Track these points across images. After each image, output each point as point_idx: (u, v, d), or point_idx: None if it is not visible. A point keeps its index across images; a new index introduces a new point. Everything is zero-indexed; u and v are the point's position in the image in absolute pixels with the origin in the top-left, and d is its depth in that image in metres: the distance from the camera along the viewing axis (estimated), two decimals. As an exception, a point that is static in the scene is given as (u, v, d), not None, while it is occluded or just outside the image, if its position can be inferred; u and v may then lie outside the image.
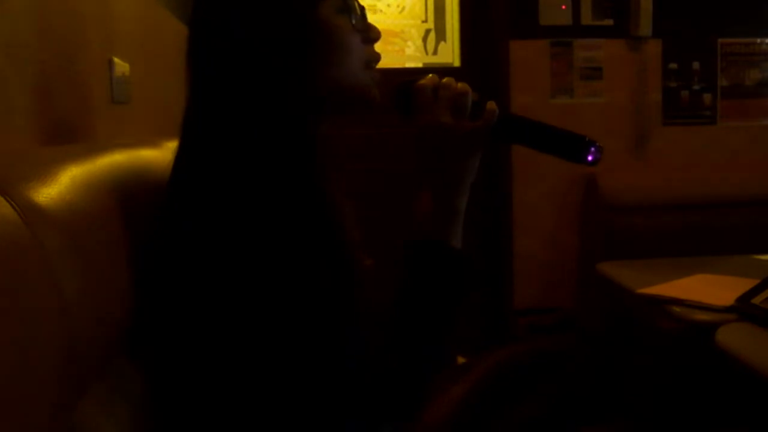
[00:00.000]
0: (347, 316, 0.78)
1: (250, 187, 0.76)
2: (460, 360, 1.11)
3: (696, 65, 3.05)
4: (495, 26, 3.00)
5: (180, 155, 0.82)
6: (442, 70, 0.84)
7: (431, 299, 0.84)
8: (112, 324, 0.72)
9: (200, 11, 0.84)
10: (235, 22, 0.80)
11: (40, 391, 0.55)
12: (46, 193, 0.62)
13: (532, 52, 2.97)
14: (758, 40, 3.07)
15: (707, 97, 3.08)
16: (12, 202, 0.56)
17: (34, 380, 0.54)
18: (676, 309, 1.88)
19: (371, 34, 0.87)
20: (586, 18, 2.98)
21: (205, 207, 0.76)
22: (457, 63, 3.14)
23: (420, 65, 3.16)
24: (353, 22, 0.84)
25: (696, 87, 3.07)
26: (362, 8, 0.87)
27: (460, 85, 0.85)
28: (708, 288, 2.00)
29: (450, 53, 3.16)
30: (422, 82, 0.86)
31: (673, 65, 3.04)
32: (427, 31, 3.16)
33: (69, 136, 1.04)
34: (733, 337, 1.67)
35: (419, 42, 3.16)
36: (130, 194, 0.79)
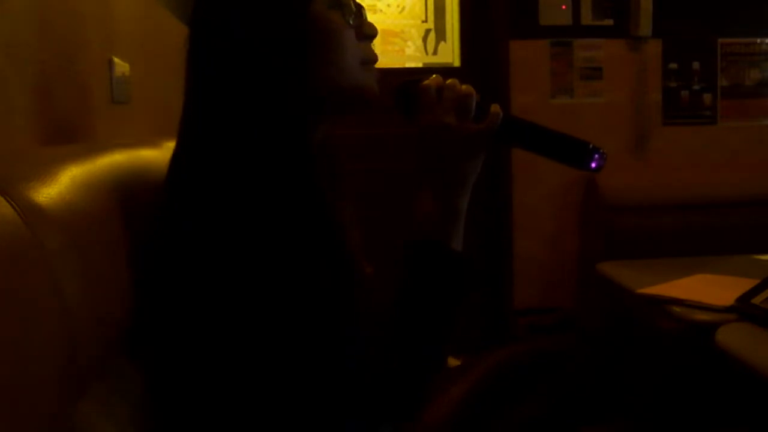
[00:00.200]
0: (347, 316, 0.78)
1: (250, 187, 0.76)
2: (453, 362, 1.11)
3: (696, 65, 3.05)
4: (495, 26, 3.00)
5: (178, 155, 0.82)
6: (443, 70, 0.84)
7: (431, 300, 0.83)
8: (112, 324, 0.72)
9: (199, 11, 0.84)
10: (233, 21, 0.80)
11: (40, 391, 0.55)
12: (46, 193, 0.62)
13: (532, 52, 2.97)
14: (758, 40, 3.07)
15: (707, 97, 3.08)
16: (12, 202, 0.56)
17: (34, 380, 0.54)
18: (676, 309, 1.88)
19: (366, 30, 0.86)
20: (586, 18, 2.98)
21: (205, 207, 0.76)
22: (457, 63, 3.14)
23: (420, 65, 3.15)
24: (346, 17, 0.84)
25: (696, 87, 3.07)
26: (358, 6, 0.86)
27: (464, 86, 0.85)
28: (708, 288, 2.00)
29: (450, 53, 3.16)
30: (427, 82, 0.85)
31: (673, 65, 3.04)
32: (427, 31, 3.16)
33: (69, 136, 1.04)
34: (733, 337, 1.67)
35: (419, 42, 3.16)
36: (130, 194, 0.79)
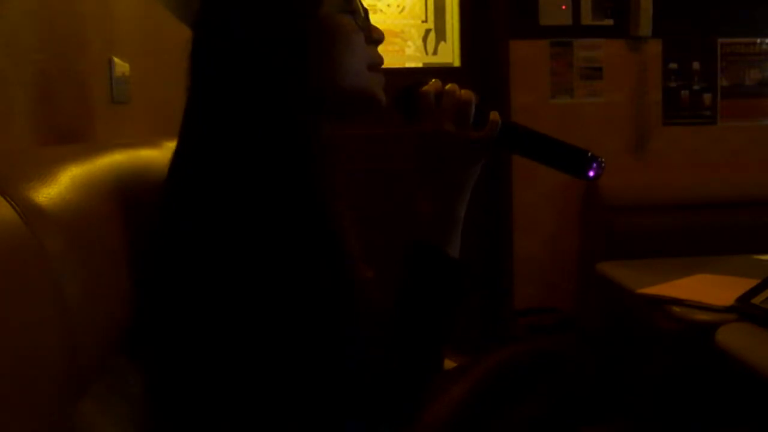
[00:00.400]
0: (346, 317, 0.78)
1: (250, 188, 0.76)
2: (453, 362, 1.11)
3: (696, 65, 3.06)
4: (495, 26, 3.00)
5: (179, 155, 0.82)
6: (443, 70, 0.84)
7: (428, 304, 0.84)
8: (112, 324, 0.72)
9: (202, 11, 0.84)
10: (239, 21, 0.80)
11: (40, 391, 0.55)
12: (46, 193, 0.62)
13: (532, 52, 2.97)
14: (758, 40, 3.07)
15: (707, 97, 3.08)
16: (12, 202, 0.56)
17: (34, 380, 0.54)
18: (676, 309, 1.88)
19: (374, 35, 0.87)
20: (586, 18, 2.98)
21: (205, 207, 0.76)
22: (457, 63, 3.14)
23: (420, 65, 3.16)
24: (356, 22, 0.84)
25: (696, 87, 3.07)
26: (365, 10, 0.87)
27: (463, 92, 0.85)
28: (708, 288, 2.00)
29: (450, 53, 3.16)
30: (426, 88, 0.85)
31: (673, 65, 3.04)
32: (427, 31, 3.16)
33: (69, 136, 1.04)
34: (733, 337, 1.67)
35: (419, 42, 3.16)
36: (130, 194, 0.79)
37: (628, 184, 2.89)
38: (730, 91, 3.08)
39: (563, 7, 2.97)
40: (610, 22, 2.99)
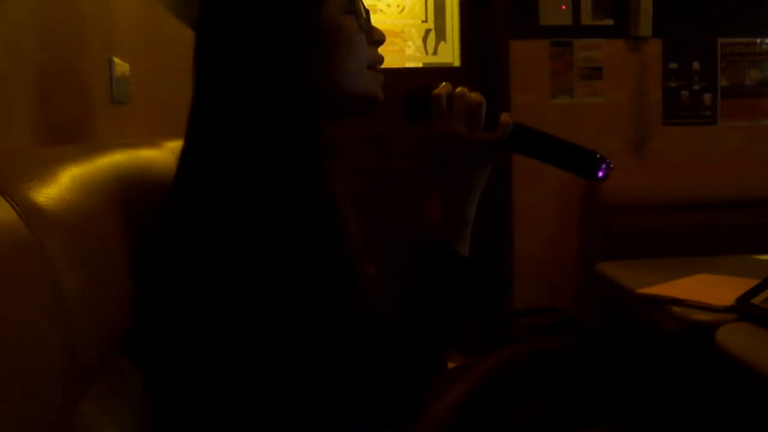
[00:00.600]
0: (347, 317, 0.78)
1: (254, 188, 0.76)
2: (449, 364, 1.11)
3: (696, 65, 3.05)
4: (495, 26, 3.00)
5: (185, 156, 0.82)
6: (443, 70, 0.85)
7: (435, 302, 0.84)
8: (112, 324, 0.72)
9: (204, 12, 0.84)
10: (242, 22, 0.80)
11: (40, 390, 0.55)
12: (46, 193, 0.62)
13: (532, 52, 2.97)
14: (758, 40, 3.07)
15: (707, 97, 3.08)
16: (12, 202, 0.56)
17: (34, 380, 0.54)
18: (676, 309, 1.88)
19: (375, 36, 0.87)
20: (586, 18, 2.98)
21: (210, 208, 0.76)
22: (457, 63, 3.14)
23: (420, 65, 3.16)
24: (359, 23, 0.84)
25: (696, 87, 3.07)
26: (367, 11, 0.87)
27: (473, 95, 0.85)
28: (708, 288, 2.00)
29: (450, 53, 3.16)
30: (437, 90, 0.86)
31: (673, 65, 3.04)
32: (427, 31, 3.16)
33: (69, 136, 1.04)
34: (733, 337, 1.67)
35: (419, 42, 3.16)
36: (130, 194, 0.79)
37: (628, 184, 2.89)
38: (730, 91, 3.08)
39: (563, 7, 2.97)
40: (610, 22, 2.99)
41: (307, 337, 0.74)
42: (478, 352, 1.09)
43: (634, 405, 2.20)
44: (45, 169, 0.66)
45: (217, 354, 0.75)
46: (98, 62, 1.21)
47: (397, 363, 0.82)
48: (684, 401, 2.01)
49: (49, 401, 0.56)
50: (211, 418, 0.75)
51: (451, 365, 1.07)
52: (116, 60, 1.27)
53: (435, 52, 3.16)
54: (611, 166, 0.84)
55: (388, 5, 3.12)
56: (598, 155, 0.84)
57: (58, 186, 0.65)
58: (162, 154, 0.91)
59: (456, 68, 3.12)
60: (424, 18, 3.15)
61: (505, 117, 0.85)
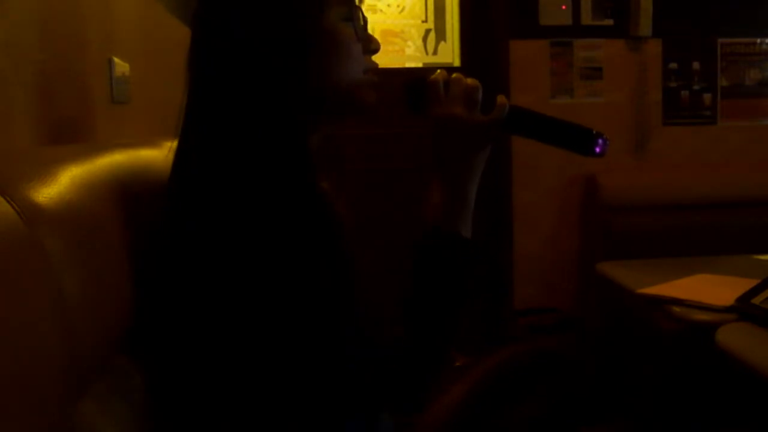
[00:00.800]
0: (347, 317, 0.78)
1: (254, 188, 0.76)
2: (457, 360, 1.11)
3: (696, 65, 3.05)
4: (495, 26, 2.99)
5: (182, 155, 0.82)
6: (449, 69, 0.85)
7: (439, 286, 0.86)
8: (112, 324, 0.72)
9: (201, 11, 0.84)
10: (242, 21, 0.80)
11: (40, 390, 0.55)
12: (46, 193, 0.62)
13: (532, 52, 2.97)
14: (758, 40, 3.07)
15: (707, 97, 3.08)
16: (12, 202, 0.56)
17: (34, 380, 0.54)
18: (676, 309, 1.88)
19: (372, 46, 0.89)
20: (586, 18, 2.98)
21: (210, 207, 0.76)
22: (457, 63, 3.14)
23: (420, 65, 3.16)
24: (357, 31, 0.86)
25: (696, 87, 3.07)
26: (365, 19, 0.89)
27: (469, 80, 0.89)
28: (708, 288, 2.00)
29: (450, 53, 3.16)
30: (434, 77, 0.89)
31: (673, 65, 3.04)
32: (427, 31, 3.16)
33: (69, 136, 1.04)
34: (733, 337, 1.67)
35: (419, 42, 3.16)
36: (130, 194, 0.79)
37: (628, 184, 2.89)
38: (730, 91, 3.08)
39: (563, 7, 2.97)
40: (610, 22, 2.99)
41: (306, 336, 0.74)
42: (478, 352, 1.08)
43: (634, 405, 2.19)
44: (45, 169, 0.66)
45: (217, 354, 0.75)
46: (98, 62, 1.21)
47: (399, 361, 0.82)
48: (684, 401, 2.01)
49: (49, 401, 0.56)
50: (210, 417, 0.75)
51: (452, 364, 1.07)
52: (116, 60, 1.27)
53: (435, 52, 3.16)
54: (608, 142, 0.86)
55: (388, 5, 3.12)
56: (594, 131, 0.87)
57: (58, 186, 0.65)
58: (162, 154, 0.91)
59: (456, 68, 3.11)
60: (424, 18, 3.15)
61: (501, 99, 0.88)
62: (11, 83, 0.88)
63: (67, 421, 0.60)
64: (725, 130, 3.08)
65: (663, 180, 2.95)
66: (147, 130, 1.49)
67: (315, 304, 0.75)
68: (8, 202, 0.56)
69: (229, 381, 0.75)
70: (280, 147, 0.79)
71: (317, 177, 0.84)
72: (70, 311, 0.60)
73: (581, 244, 3.02)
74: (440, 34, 3.16)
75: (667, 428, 2.06)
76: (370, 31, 0.90)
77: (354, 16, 0.86)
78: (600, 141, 0.86)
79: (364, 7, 0.90)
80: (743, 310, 1.76)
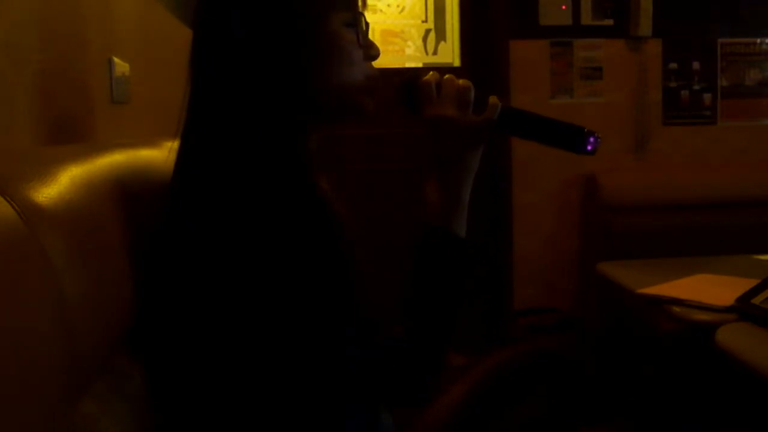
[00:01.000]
0: (346, 317, 0.78)
1: (254, 188, 0.76)
2: (457, 360, 1.11)
3: (696, 65, 3.05)
4: (495, 26, 2.99)
5: (183, 155, 0.82)
6: (443, 70, 0.85)
7: (436, 286, 0.86)
8: (112, 324, 0.72)
9: (201, 12, 0.84)
10: (242, 22, 0.81)
11: (41, 390, 0.55)
12: (46, 193, 0.62)
13: (532, 52, 2.97)
14: (758, 40, 3.07)
15: (707, 97, 3.07)
16: (12, 202, 0.56)
17: (35, 380, 0.54)
18: (676, 309, 1.88)
19: (372, 52, 0.90)
20: (586, 18, 2.98)
21: (210, 207, 0.76)
22: (457, 63, 3.14)
23: (420, 65, 3.16)
24: (359, 37, 0.87)
25: (696, 87, 3.07)
26: (367, 24, 0.90)
27: (461, 81, 0.89)
28: (708, 288, 2.00)
29: (450, 53, 3.16)
30: (426, 78, 0.89)
31: (673, 65, 3.04)
32: (427, 31, 3.16)
33: (69, 136, 1.04)
34: (733, 337, 1.67)
35: (419, 42, 3.16)
36: (130, 194, 0.79)
37: (628, 184, 2.89)
38: (730, 91, 3.08)
39: (563, 7, 2.97)
40: (610, 22, 2.99)
41: (306, 336, 0.74)
42: (478, 352, 1.09)
43: (634, 405, 2.19)
44: (45, 169, 0.66)
45: (217, 353, 0.75)
46: (98, 62, 1.21)
47: (398, 360, 0.83)
48: (684, 401, 2.01)
49: (49, 401, 0.56)
50: (210, 417, 0.75)
51: (452, 364, 1.07)
52: (116, 60, 1.27)
53: (435, 52, 3.16)
54: (599, 139, 0.87)
55: (388, 5, 3.12)
56: (586, 129, 0.87)
57: (58, 186, 0.65)
58: (162, 154, 0.91)
59: (456, 68, 3.12)
60: (424, 18, 3.15)
61: (493, 99, 0.89)
62: (11, 83, 0.88)
63: (67, 421, 0.60)
64: (725, 130, 3.08)
65: (663, 180, 2.95)
66: (147, 130, 1.49)
67: (315, 303, 0.75)
68: (8, 202, 0.56)
69: (229, 381, 0.75)
70: (280, 147, 0.79)
71: (317, 177, 0.84)
72: (70, 311, 0.60)
73: (581, 244, 3.02)
74: (440, 34, 3.16)
75: (667, 428, 2.06)
76: (370, 32, 0.91)
77: (357, 22, 0.87)
78: (592, 139, 0.87)
79: (364, 8, 0.90)
80: (743, 310, 1.76)
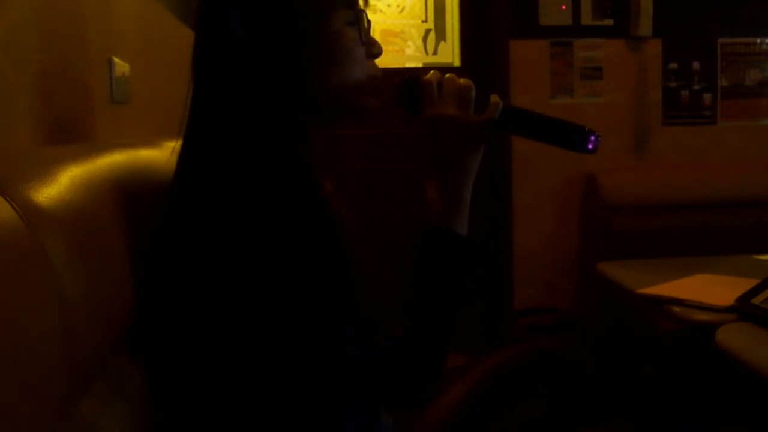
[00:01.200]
0: (346, 317, 0.78)
1: (254, 188, 0.76)
2: (457, 360, 1.11)
3: (696, 65, 3.05)
4: (495, 26, 2.99)
5: (185, 155, 0.82)
6: (443, 70, 0.85)
7: (438, 285, 0.86)
8: (112, 324, 0.72)
9: (206, 12, 0.84)
10: (243, 22, 0.81)
11: (41, 390, 0.55)
12: (46, 193, 0.62)
13: (532, 52, 2.97)
14: (758, 40, 3.07)
15: (707, 97, 3.07)
16: (12, 202, 0.56)
17: (35, 380, 0.54)
18: (676, 309, 1.88)
19: (374, 50, 0.89)
20: (586, 18, 2.98)
21: (210, 207, 0.76)
22: (457, 63, 3.14)
23: (420, 65, 3.16)
24: (361, 36, 0.86)
25: (696, 87, 3.07)
26: (369, 22, 0.89)
27: (462, 80, 0.89)
28: (708, 288, 2.00)
29: (450, 53, 3.16)
30: (427, 77, 0.89)
31: (673, 65, 3.04)
32: (427, 31, 3.16)
33: (69, 136, 1.04)
34: (733, 337, 1.67)
35: (419, 42, 3.16)
36: (130, 194, 0.79)
37: (628, 184, 2.89)
38: (730, 91, 3.08)
39: (563, 7, 2.97)
40: (610, 22, 2.99)
41: (306, 336, 0.74)
42: (478, 352, 1.09)
43: (634, 405, 2.19)
44: (45, 169, 0.66)
45: (217, 353, 0.75)
46: (98, 62, 1.21)
47: (398, 360, 0.82)
48: (684, 401, 2.01)
49: (49, 401, 0.56)
50: (210, 417, 0.75)
51: (452, 365, 1.07)
52: (116, 60, 1.27)
53: (435, 52, 3.16)
54: (600, 138, 0.87)
55: (388, 5, 3.12)
56: (587, 128, 0.88)
57: (58, 186, 0.65)
58: (162, 154, 0.91)
59: (456, 68, 3.12)
60: (424, 18, 3.15)
61: (494, 98, 0.89)
62: (11, 83, 0.88)
63: (67, 421, 0.60)
64: (725, 130, 3.08)
65: (663, 180, 2.95)
66: (147, 130, 1.49)
67: (315, 303, 0.75)
68: (8, 202, 0.56)
69: (229, 381, 0.75)
70: (282, 147, 0.79)
71: (318, 177, 0.84)
72: (70, 311, 0.60)
73: (581, 244, 3.02)
74: (440, 34, 3.16)
75: (667, 428, 2.06)
76: (370, 31, 0.91)
77: (358, 21, 0.87)
78: (592, 137, 0.87)
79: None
80: (743, 310, 1.76)
